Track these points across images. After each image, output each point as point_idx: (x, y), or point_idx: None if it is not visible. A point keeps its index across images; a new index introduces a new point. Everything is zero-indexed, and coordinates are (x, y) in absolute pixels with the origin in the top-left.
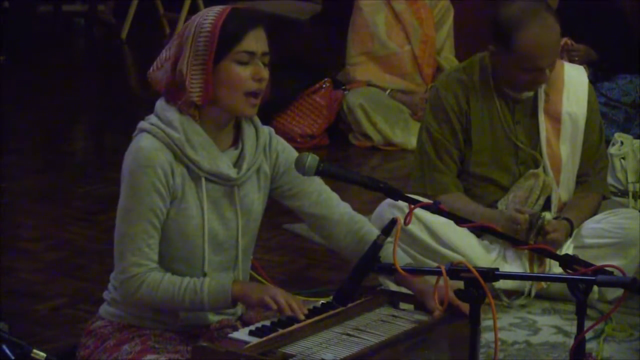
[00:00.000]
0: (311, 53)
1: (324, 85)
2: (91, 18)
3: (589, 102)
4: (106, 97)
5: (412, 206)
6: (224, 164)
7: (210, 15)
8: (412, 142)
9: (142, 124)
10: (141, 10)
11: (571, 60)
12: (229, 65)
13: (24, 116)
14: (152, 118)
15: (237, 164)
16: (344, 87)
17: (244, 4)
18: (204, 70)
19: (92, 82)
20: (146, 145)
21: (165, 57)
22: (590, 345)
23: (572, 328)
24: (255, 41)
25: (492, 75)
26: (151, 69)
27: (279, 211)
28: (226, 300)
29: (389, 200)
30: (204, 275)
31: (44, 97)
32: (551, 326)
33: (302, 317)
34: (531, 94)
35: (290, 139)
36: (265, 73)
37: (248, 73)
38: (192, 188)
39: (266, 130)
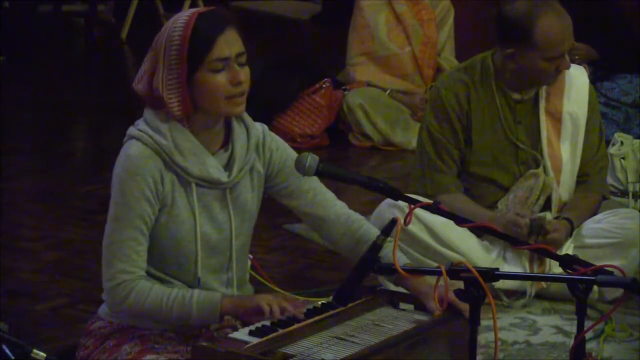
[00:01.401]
0: (311, 53)
1: (324, 85)
2: (91, 18)
3: (590, 102)
4: (106, 97)
5: (412, 206)
6: (213, 168)
7: (177, 27)
8: (412, 142)
9: (131, 131)
10: (141, 10)
11: (572, 60)
12: (204, 75)
13: (24, 116)
14: (140, 124)
15: (227, 166)
16: (344, 87)
17: (242, 5)
18: (179, 84)
19: (92, 82)
20: (135, 152)
21: (143, 70)
22: (590, 345)
23: (572, 328)
24: (227, 46)
25: (495, 75)
26: (134, 81)
27: (279, 211)
28: (214, 314)
29: (389, 200)
30: (197, 279)
31: (44, 96)
32: (551, 326)
33: (301, 315)
34: (532, 93)
35: (290, 139)
36: (242, 75)
37: (225, 79)
38: (183, 194)
39: (259, 127)
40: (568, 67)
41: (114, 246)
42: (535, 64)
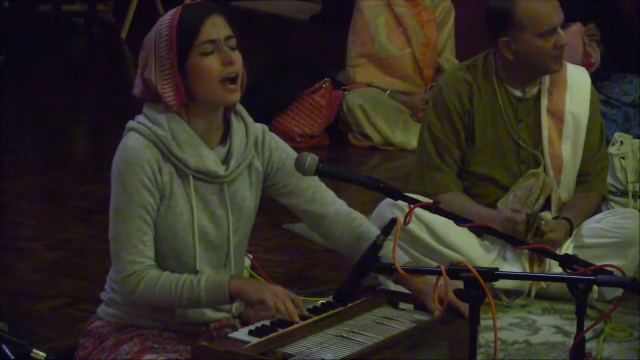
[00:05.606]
0: (311, 53)
1: (324, 85)
2: (91, 18)
3: (592, 101)
4: (106, 97)
5: (412, 206)
6: (211, 161)
7: (165, 20)
8: (412, 143)
9: (131, 124)
10: (141, 10)
11: (590, 41)
12: (196, 60)
13: (24, 116)
14: (139, 117)
15: (225, 161)
16: (344, 88)
17: (242, 5)
18: (172, 73)
19: (92, 82)
20: (133, 143)
21: (138, 74)
22: (590, 345)
23: (572, 328)
24: (214, 29)
25: (497, 73)
26: (134, 88)
27: (279, 211)
28: (224, 296)
29: (389, 200)
30: (196, 272)
31: (44, 97)
32: (551, 326)
33: (296, 318)
34: (534, 91)
35: (290, 139)
36: (234, 56)
37: (216, 61)
38: (181, 186)
39: (259, 127)
40: (564, 43)
41: (120, 239)
42: (532, 45)
